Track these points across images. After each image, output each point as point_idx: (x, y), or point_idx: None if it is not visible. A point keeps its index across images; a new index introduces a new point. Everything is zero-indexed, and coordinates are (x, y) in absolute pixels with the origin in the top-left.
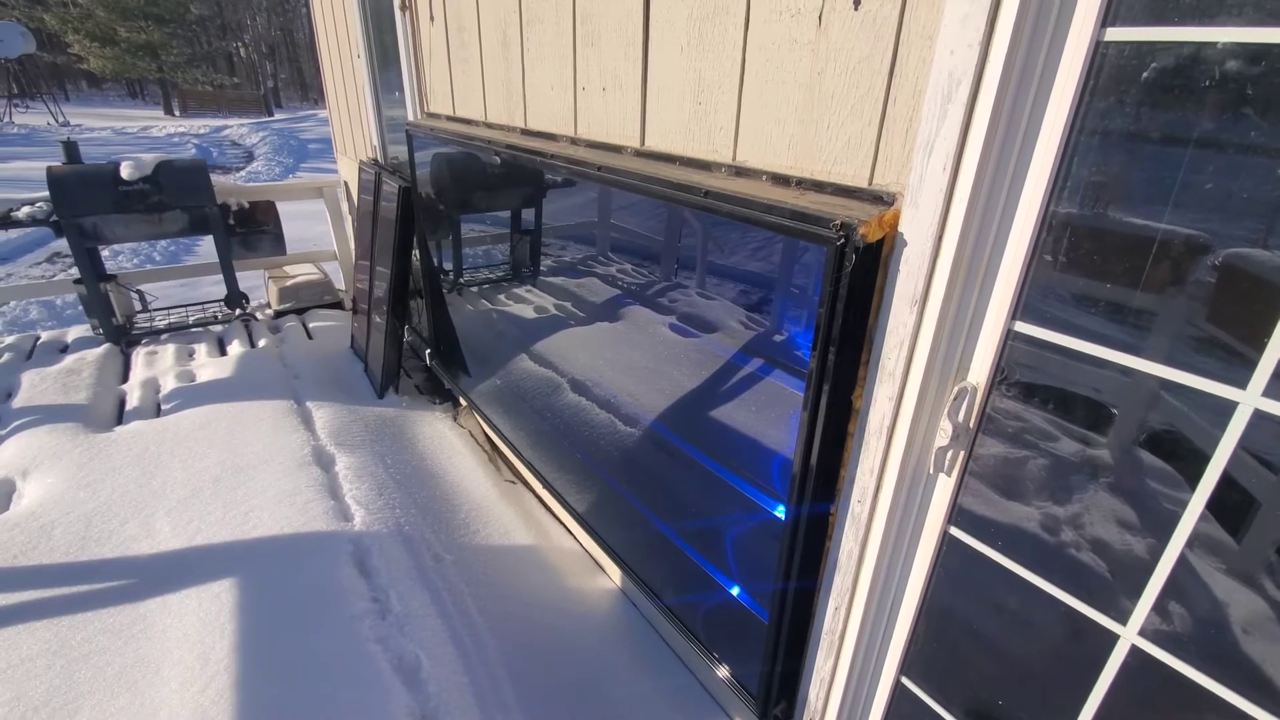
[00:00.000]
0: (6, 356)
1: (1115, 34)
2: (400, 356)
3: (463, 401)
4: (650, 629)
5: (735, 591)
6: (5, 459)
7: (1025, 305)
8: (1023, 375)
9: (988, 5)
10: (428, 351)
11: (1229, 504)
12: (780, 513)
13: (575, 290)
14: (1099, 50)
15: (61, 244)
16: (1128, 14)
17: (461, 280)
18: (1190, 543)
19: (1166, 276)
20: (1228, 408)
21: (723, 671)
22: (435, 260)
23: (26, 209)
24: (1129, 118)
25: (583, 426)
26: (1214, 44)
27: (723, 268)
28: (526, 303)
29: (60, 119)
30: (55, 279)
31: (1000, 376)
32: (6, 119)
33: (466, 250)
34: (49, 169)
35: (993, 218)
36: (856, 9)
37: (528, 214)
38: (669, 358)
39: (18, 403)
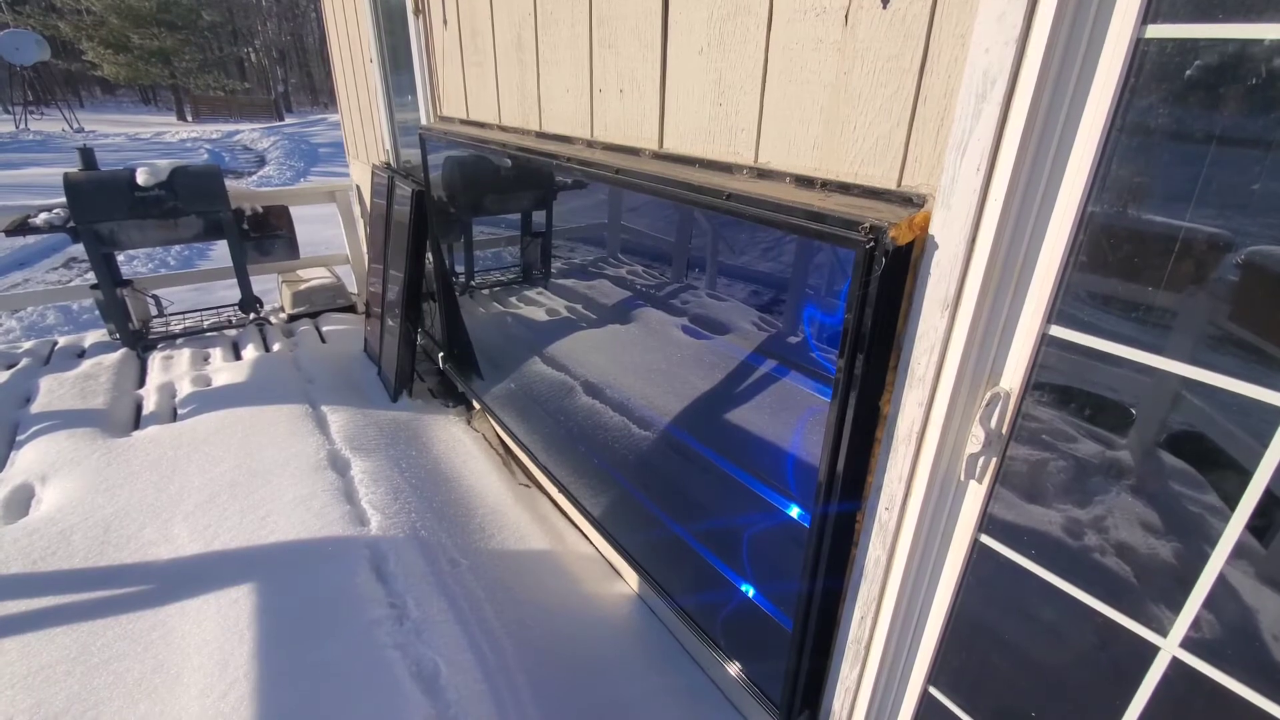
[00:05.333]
0: (25, 362)
1: (1157, 31)
2: (414, 360)
3: (476, 405)
4: (670, 636)
5: (757, 598)
6: (25, 464)
7: (1061, 309)
8: (1058, 380)
9: (1025, 2)
10: (441, 355)
11: (1258, 508)
12: (804, 518)
13: (588, 292)
14: (1139, 47)
15: (78, 249)
16: (1170, 10)
17: (474, 283)
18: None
19: (1213, 280)
20: (1270, 414)
21: (745, 679)
22: (448, 263)
23: (44, 215)
24: (1171, 116)
25: (597, 430)
26: (1261, 40)
27: (739, 268)
28: (539, 305)
29: (75, 125)
30: (72, 284)
31: (1035, 382)
32: (23, 126)
33: (479, 253)
34: (66, 175)
35: (1028, 219)
36: (885, 7)
37: (540, 216)
38: (683, 360)
39: (36, 408)
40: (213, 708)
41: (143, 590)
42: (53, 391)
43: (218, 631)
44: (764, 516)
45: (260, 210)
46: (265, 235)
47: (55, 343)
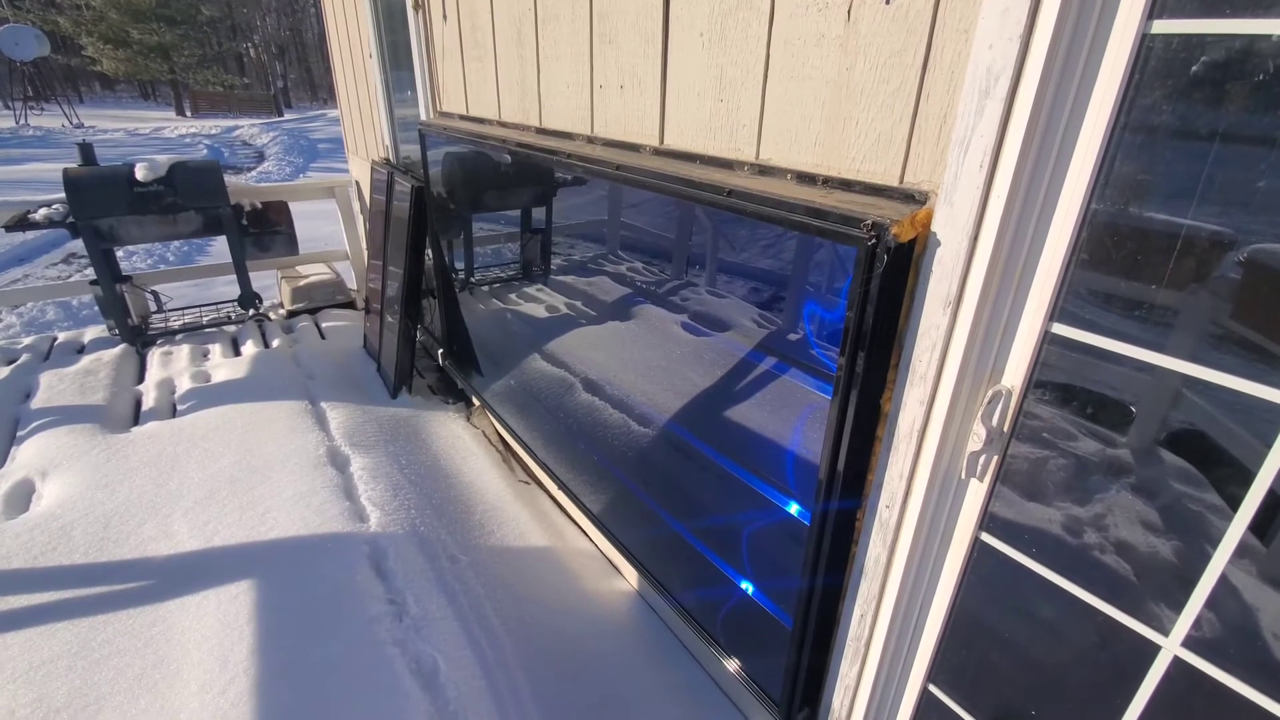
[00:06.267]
0: (25, 357)
1: (1162, 26)
2: (413, 356)
3: (476, 401)
4: (669, 634)
5: (757, 596)
6: (25, 459)
7: (1064, 306)
8: (1060, 378)
9: None
10: (440, 351)
11: (1261, 507)
12: (804, 515)
13: (587, 289)
14: (1145, 43)
15: (77, 245)
16: (1176, 5)
17: (474, 279)
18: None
19: (1215, 278)
20: (1273, 412)
21: (744, 676)
22: (447, 259)
23: (44, 210)
24: (1176, 113)
25: (597, 426)
26: (1268, 36)
27: (740, 265)
28: (539, 302)
29: (74, 121)
30: (71, 280)
31: (1036, 380)
32: (22, 121)
33: (479, 249)
34: (65, 171)
35: (1031, 216)
36: (888, 2)
37: (540, 213)
38: (683, 357)
39: (36, 403)
40: (212, 704)
41: (143, 586)
42: (53, 387)
43: (217, 627)
44: (764, 514)
45: (259, 206)
46: (264, 231)
47: (55, 338)
